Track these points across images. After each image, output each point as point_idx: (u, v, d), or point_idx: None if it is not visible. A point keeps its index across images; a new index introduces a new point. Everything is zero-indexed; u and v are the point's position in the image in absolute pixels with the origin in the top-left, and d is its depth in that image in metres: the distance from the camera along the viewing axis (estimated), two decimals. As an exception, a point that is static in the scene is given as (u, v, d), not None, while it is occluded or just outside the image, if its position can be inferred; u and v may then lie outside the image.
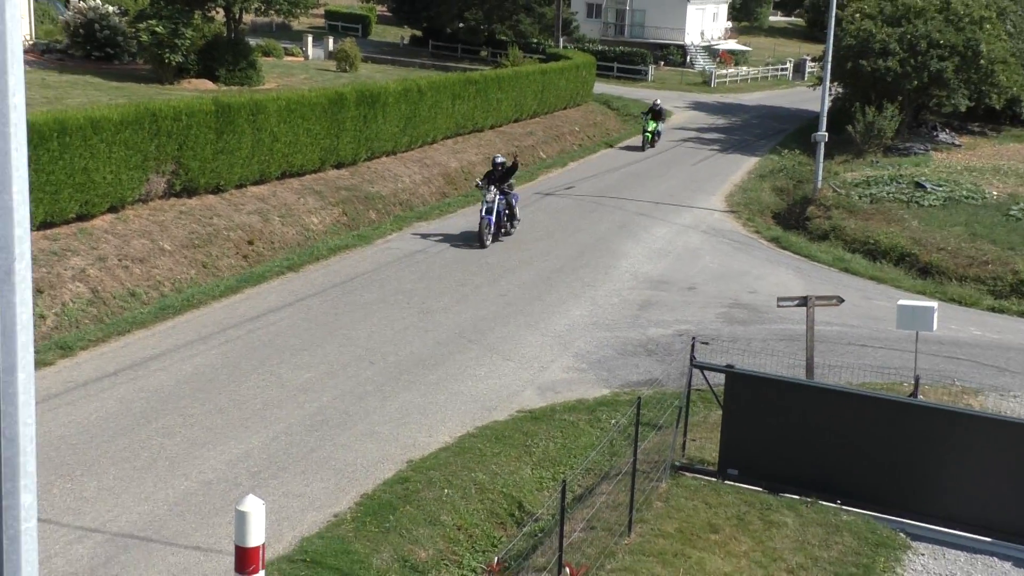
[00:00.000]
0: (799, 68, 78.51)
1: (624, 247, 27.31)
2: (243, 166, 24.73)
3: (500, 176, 26.14)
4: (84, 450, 13.69)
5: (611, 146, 44.98)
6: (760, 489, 13.74)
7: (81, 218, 20.43)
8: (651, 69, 69.60)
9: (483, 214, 25.83)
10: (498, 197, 26.01)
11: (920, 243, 28.44)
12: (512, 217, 26.93)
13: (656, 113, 44.68)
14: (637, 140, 45.13)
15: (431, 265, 24.10)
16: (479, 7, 65.51)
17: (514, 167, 26.58)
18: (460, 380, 17.41)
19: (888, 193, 33.64)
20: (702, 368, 14.70)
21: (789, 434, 13.73)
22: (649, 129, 44.10)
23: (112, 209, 21.26)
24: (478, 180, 26.66)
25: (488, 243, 25.69)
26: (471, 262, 24.58)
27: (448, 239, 26.62)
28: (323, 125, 27.55)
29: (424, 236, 26.90)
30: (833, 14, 34.04)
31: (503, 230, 26.69)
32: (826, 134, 33.87)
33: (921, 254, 27.87)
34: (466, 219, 29.20)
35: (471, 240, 26.13)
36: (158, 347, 17.62)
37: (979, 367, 19.68)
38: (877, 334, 21.26)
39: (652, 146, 44.32)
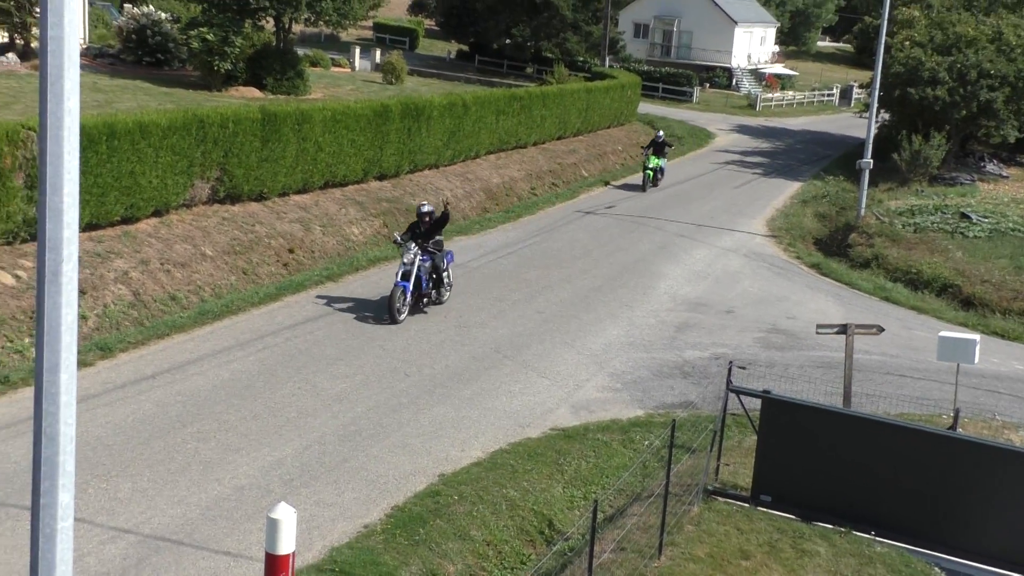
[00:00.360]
0: (846, 94, 78.05)
1: (663, 268, 27.23)
2: (287, 175, 24.92)
3: (426, 230, 21.01)
4: (120, 451, 13.81)
5: (607, 183, 40.41)
6: (793, 516, 13.63)
7: (126, 221, 20.66)
8: (696, 91, 69.48)
9: (397, 279, 20.40)
10: (419, 258, 20.59)
11: (964, 274, 28.13)
12: (440, 283, 21.51)
13: (659, 147, 39.39)
14: (638, 177, 39.51)
15: (470, 280, 24.14)
16: (527, 24, 65.69)
17: (444, 219, 21.39)
18: (494, 396, 17.41)
19: (932, 223, 33.33)
20: (738, 392, 14.62)
21: (824, 462, 13.61)
22: (650, 166, 38.53)
23: (156, 213, 21.48)
24: (396, 235, 21.22)
25: (402, 318, 20.27)
26: (510, 278, 24.59)
27: (487, 254, 26.67)
28: (367, 136, 27.71)
29: (464, 251, 26.95)
30: (883, 41, 33.83)
31: (427, 299, 21.27)
32: (871, 161, 33.64)
33: (964, 286, 27.56)
34: (506, 235, 29.25)
35: (505, 254, 26.05)
36: (196, 352, 17.76)
37: (1020, 402, 19.42)
38: (917, 365, 21.04)
39: (655, 185, 39.03)
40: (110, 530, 11.87)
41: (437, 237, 21.27)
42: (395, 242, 20.99)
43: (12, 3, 40.93)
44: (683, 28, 79.64)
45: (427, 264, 20.80)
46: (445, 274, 21.51)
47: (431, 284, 21.12)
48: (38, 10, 5.46)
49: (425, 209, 21.11)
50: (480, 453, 15.14)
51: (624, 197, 36.61)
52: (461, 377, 18.01)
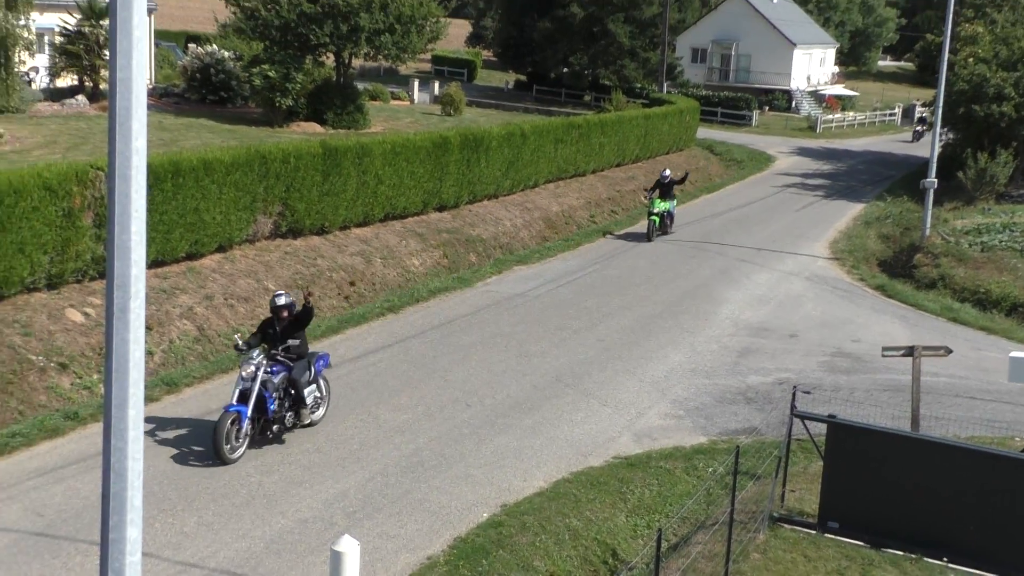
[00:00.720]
0: (908, 113, 77.17)
1: (725, 293, 27.05)
2: (347, 208, 25.20)
3: (281, 330, 15.80)
4: (185, 486, 14.00)
5: (608, 232, 33.45)
6: (861, 543, 13.42)
7: (191, 257, 21.03)
8: (755, 114, 69.15)
9: (231, 401, 14.95)
10: (264, 370, 15.16)
11: (1033, 294, 27.57)
12: (299, 401, 15.72)
13: (665, 188, 32.85)
14: (642, 226, 33.87)
15: (530, 309, 24.18)
16: (584, 52, 65.91)
17: (306, 316, 15.85)
18: (556, 425, 17.39)
19: (1000, 241, 32.76)
20: (803, 417, 14.46)
21: (892, 487, 13.40)
22: (656, 211, 32.70)
23: (220, 249, 21.83)
24: (237, 338, 15.86)
25: (236, 455, 14.74)
26: (570, 306, 24.60)
27: (547, 283, 26.70)
28: (427, 168, 27.95)
29: (524, 279, 27.01)
30: (945, 58, 33.45)
31: (279, 426, 15.52)
32: (935, 180, 33.18)
33: (1034, 305, 27.01)
34: (566, 263, 29.27)
35: (564, 283, 26.01)
36: (261, 384, 17.93)
37: (1095, 424, 18.94)
38: (987, 386, 20.65)
39: (663, 232, 33.23)
40: (176, 564, 12.03)
41: (293, 341, 15.75)
42: (236, 348, 15.57)
43: (82, 47, 42.01)
44: (741, 52, 79.37)
45: (277, 378, 15.37)
46: (310, 388, 15.97)
47: (285, 405, 15.56)
48: (107, 53, 5.61)
49: (281, 302, 15.70)
50: (542, 483, 15.12)
51: (683, 223, 36.46)
52: (522, 406, 18.01)
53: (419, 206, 28.15)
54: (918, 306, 27.42)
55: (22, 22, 31.54)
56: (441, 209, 29.35)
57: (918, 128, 63.85)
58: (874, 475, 13.52)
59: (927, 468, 13.27)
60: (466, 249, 28.13)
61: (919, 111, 72.96)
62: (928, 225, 33.72)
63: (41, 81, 44.00)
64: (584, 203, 35.91)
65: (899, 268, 32.34)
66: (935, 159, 33.74)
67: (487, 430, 16.81)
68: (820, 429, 14.58)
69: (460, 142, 29.45)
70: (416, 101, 61.17)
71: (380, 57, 45.97)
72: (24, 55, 33.34)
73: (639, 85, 65.07)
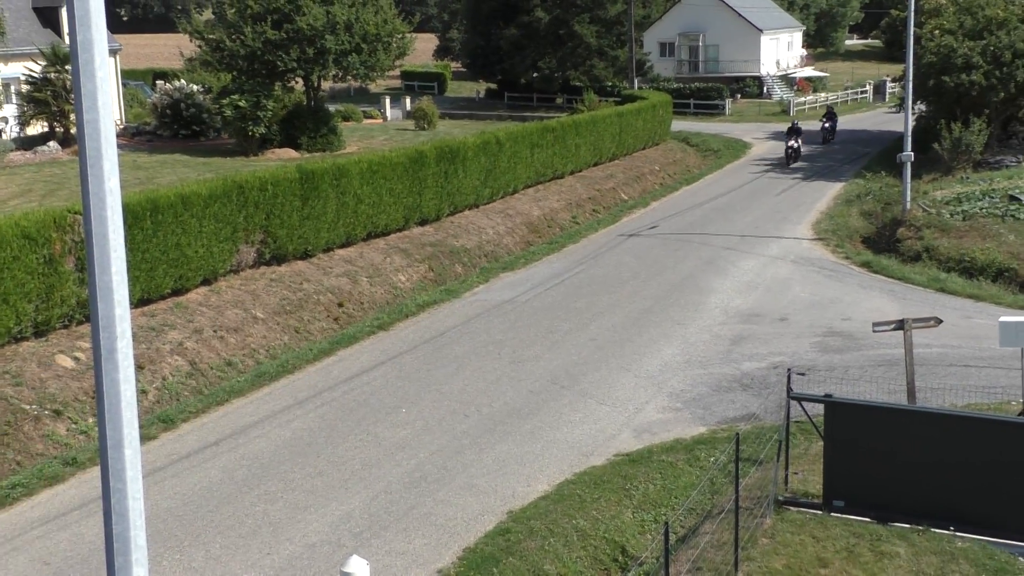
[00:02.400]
0: (879, 90, 77.49)
1: (712, 283, 27.11)
2: (329, 230, 25.19)
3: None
4: (190, 521, 13.97)
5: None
6: (868, 519, 13.45)
7: (176, 292, 20.99)
8: (728, 103, 69.34)
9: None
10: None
11: (1019, 257, 27.70)
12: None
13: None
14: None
15: (520, 314, 24.20)
16: (552, 56, 66.02)
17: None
18: (555, 427, 17.40)
19: (981, 208, 32.89)
20: (800, 399, 14.50)
21: (895, 461, 13.44)
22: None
23: (205, 282, 21.80)
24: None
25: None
26: (560, 309, 24.61)
27: (535, 287, 26.72)
28: (405, 184, 27.96)
29: (511, 286, 27.03)
30: (911, 32, 33.59)
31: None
32: (912, 154, 33.30)
33: (1021, 268, 27.15)
34: (551, 266, 29.30)
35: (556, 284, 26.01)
36: (256, 414, 17.94)
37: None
38: (980, 353, 20.73)
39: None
40: (189, 598, 11.98)
41: None
42: None
43: (49, 93, 41.93)
44: (708, 42, 79.58)
45: None
46: None
47: None
48: (74, 97, 5.62)
49: None
50: (546, 486, 15.12)
51: (665, 216, 36.52)
52: (520, 412, 18.02)
53: (401, 222, 28.15)
54: (905, 279, 27.53)
55: (-13, 73, 31.46)
56: (423, 223, 29.36)
57: (826, 125, 55.96)
58: (875, 451, 13.55)
59: (927, 439, 13.31)
60: (451, 261, 28.14)
61: (889, 87, 73.26)
62: (908, 199, 33.84)
63: (11, 131, 43.91)
64: (565, 205, 35.96)
65: (883, 244, 32.46)
66: (910, 132, 33.87)
67: (487, 439, 16.81)
68: (818, 410, 14.61)
69: (436, 155, 29.47)
70: (389, 118, 61.20)
71: (349, 77, 46.06)
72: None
73: (610, 83, 65.19)
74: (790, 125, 50.23)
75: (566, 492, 14.86)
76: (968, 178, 39.33)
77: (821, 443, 14.37)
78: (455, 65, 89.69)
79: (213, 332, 20.33)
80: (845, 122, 62.35)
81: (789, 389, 14.66)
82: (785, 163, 47.51)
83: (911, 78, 34.60)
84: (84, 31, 5.38)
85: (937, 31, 45.80)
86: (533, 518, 13.97)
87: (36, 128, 43.76)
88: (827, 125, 56.25)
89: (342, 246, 26.04)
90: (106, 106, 5.50)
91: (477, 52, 73.15)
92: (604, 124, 41.84)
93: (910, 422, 13.60)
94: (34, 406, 16.42)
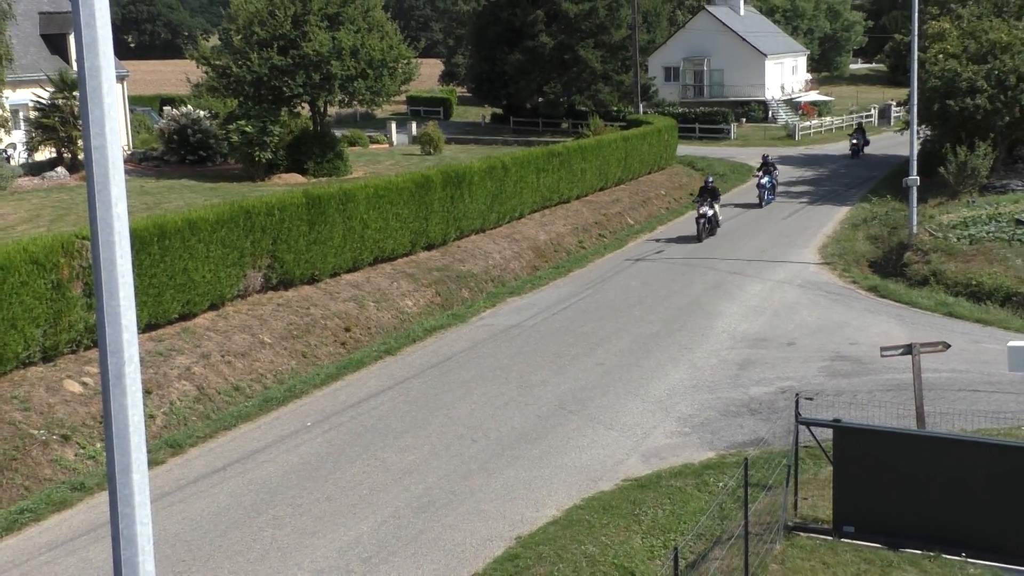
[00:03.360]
0: (884, 114, 77.59)
1: (719, 307, 27.07)
2: (336, 255, 25.21)
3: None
4: (198, 546, 13.91)
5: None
6: (879, 545, 13.36)
7: (184, 317, 20.99)
8: (733, 127, 69.47)
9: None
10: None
11: (1026, 281, 27.61)
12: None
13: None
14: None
15: (527, 339, 24.16)
16: (557, 80, 66.24)
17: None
18: (563, 452, 17.33)
19: (988, 232, 32.84)
20: (808, 424, 14.44)
21: (905, 486, 13.36)
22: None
23: (213, 307, 21.81)
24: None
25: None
26: (567, 333, 24.57)
27: (542, 312, 26.69)
28: (411, 209, 28.00)
29: (518, 310, 27.01)
30: (915, 56, 33.66)
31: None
32: (917, 178, 33.29)
33: (1028, 292, 27.04)
34: (558, 291, 29.28)
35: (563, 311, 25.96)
36: (264, 439, 17.90)
37: (1100, 405, 18.93)
38: (988, 378, 20.64)
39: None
40: (196, 625, 11.92)
41: None
42: None
43: (57, 119, 42.13)
44: (713, 67, 79.80)
45: None
46: None
47: None
48: (82, 123, 5.64)
49: None
50: (555, 511, 15.06)
51: (672, 240, 36.51)
52: (528, 437, 17.96)
53: (407, 247, 28.17)
54: (912, 304, 27.45)
55: (-5, 100, 31.67)
56: (429, 248, 29.38)
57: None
58: (885, 476, 13.48)
59: (937, 464, 13.24)
60: (458, 285, 28.13)
61: (894, 111, 73.36)
62: (915, 222, 33.81)
63: (19, 157, 44.08)
64: (571, 229, 35.98)
65: (890, 268, 32.41)
66: (915, 156, 33.88)
67: (495, 463, 16.75)
68: (827, 434, 14.54)
69: (442, 180, 29.52)
70: (395, 143, 61.37)
71: (355, 103, 46.20)
72: (0, 133, 33.44)
73: (615, 108, 65.35)
74: (702, 184, 38.66)
75: (575, 517, 14.79)
76: (974, 202, 39.30)
77: (830, 468, 14.31)
78: (461, 90, 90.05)
79: (220, 357, 20.32)
80: (850, 147, 62.36)
81: (797, 414, 14.60)
82: (697, 237, 36.15)
83: (916, 102, 34.65)
84: (92, 58, 5.40)
85: (941, 55, 45.90)
86: (542, 543, 13.90)
87: (44, 154, 43.93)
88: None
89: (349, 271, 26.05)
90: (114, 132, 5.51)
91: (482, 77, 73.44)
92: (610, 149, 41.92)
93: (920, 447, 13.53)
94: (42, 431, 16.40)
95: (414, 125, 64.49)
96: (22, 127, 43.89)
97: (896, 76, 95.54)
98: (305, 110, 46.53)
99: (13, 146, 43.66)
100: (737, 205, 43.49)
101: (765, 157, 46.36)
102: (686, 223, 40.34)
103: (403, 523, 14.58)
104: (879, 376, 21.05)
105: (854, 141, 59.46)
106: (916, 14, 33.53)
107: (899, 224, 36.61)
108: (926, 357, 17.53)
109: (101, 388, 5.48)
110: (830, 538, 13.64)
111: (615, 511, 15.05)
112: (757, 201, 43.82)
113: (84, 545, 13.92)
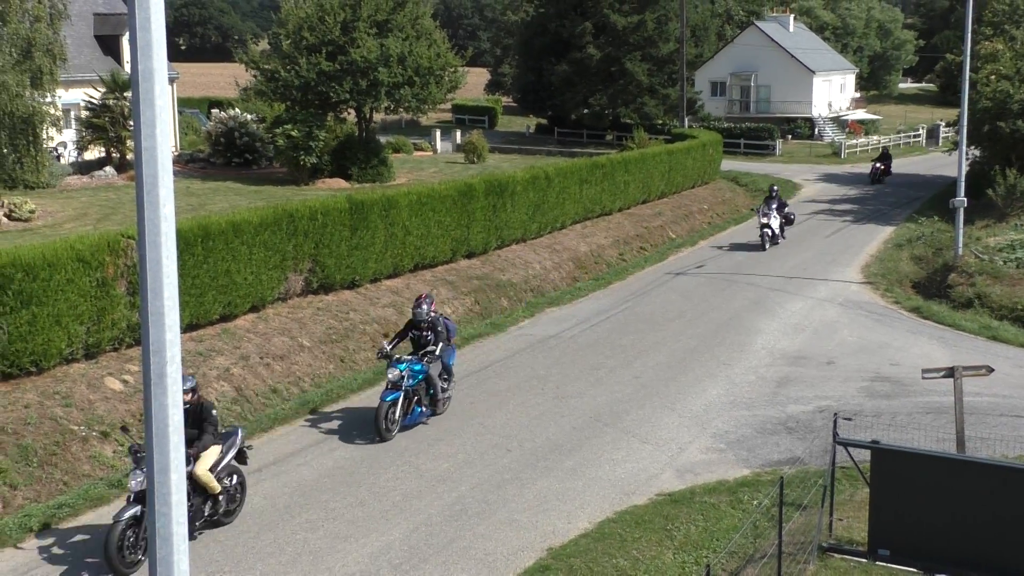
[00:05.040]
0: (933, 134, 76.91)
1: (759, 323, 26.91)
2: (377, 260, 25.34)
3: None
4: (231, 547, 14.02)
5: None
6: (914, 570, 13.23)
7: (224, 319, 21.18)
8: (778, 143, 69.14)
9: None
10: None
11: (1072, 307, 27.22)
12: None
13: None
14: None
15: (564, 350, 24.15)
16: (603, 92, 66.28)
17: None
18: (597, 465, 17.30)
19: (1035, 256, 32.41)
20: (846, 444, 14.32)
21: (943, 511, 13.21)
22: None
23: (253, 309, 21.99)
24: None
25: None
26: (604, 345, 24.55)
27: (580, 323, 26.67)
28: (453, 216, 28.09)
29: (556, 321, 27.00)
30: (967, 77, 33.34)
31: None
32: (965, 199, 32.97)
33: (1074, 318, 26.66)
34: (597, 302, 29.25)
35: (592, 325, 25.94)
36: (300, 442, 18.01)
37: None
38: (1031, 404, 20.37)
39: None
40: (228, 624, 12.00)
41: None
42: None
43: (107, 119, 42.71)
44: (760, 83, 79.52)
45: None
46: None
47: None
48: (132, 124, 5.73)
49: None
50: (587, 524, 15.03)
51: (713, 255, 36.38)
52: (562, 448, 17.94)
53: (448, 254, 28.26)
54: (955, 326, 27.15)
55: (48, 99, 32.20)
56: (470, 256, 29.45)
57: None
58: (923, 500, 13.34)
59: (977, 490, 13.08)
60: (497, 294, 28.18)
61: (943, 131, 72.65)
62: (960, 244, 33.45)
63: (70, 155, 44.73)
64: (612, 241, 35.94)
65: (934, 289, 32.07)
66: (963, 178, 33.55)
67: (528, 474, 16.75)
68: (864, 456, 14.42)
69: (485, 189, 29.60)
70: (439, 151, 61.63)
71: (401, 110, 46.46)
72: (52, 131, 34.03)
73: (660, 121, 65.26)
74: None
75: (607, 531, 14.75)
76: (1022, 225, 38.82)
77: (867, 490, 14.18)
78: (506, 100, 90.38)
79: (259, 359, 20.48)
80: (897, 165, 61.94)
81: (835, 434, 14.49)
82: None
83: (965, 123, 34.31)
84: (146, 61, 5.48)
85: (993, 76, 45.46)
86: (573, 556, 13.88)
87: (93, 153, 44.56)
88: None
89: (389, 277, 26.17)
90: (164, 135, 5.59)
91: (528, 87, 73.65)
92: (653, 162, 41.83)
93: (960, 472, 13.38)
94: (82, 427, 16.61)
95: (459, 133, 64.73)
96: (73, 126, 44.53)
97: (946, 96, 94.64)
98: (351, 116, 46.86)
99: (64, 145, 44.31)
100: (815, 202, 43.26)
101: (772, 189, 39.53)
102: (729, 237, 40.17)
103: (435, 531, 14.61)
104: (919, 398, 20.83)
105: (878, 166, 56.55)
106: (969, 34, 33.22)
107: (944, 245, 36.24)
108: (968, 381, 17.34)
109: (143, 387, 5.57)
110: (864, 560, 13.51)
111: (647, 525, 15.00)
112: (759, 242, 37.65)
113: (120, 541, 14.04)
